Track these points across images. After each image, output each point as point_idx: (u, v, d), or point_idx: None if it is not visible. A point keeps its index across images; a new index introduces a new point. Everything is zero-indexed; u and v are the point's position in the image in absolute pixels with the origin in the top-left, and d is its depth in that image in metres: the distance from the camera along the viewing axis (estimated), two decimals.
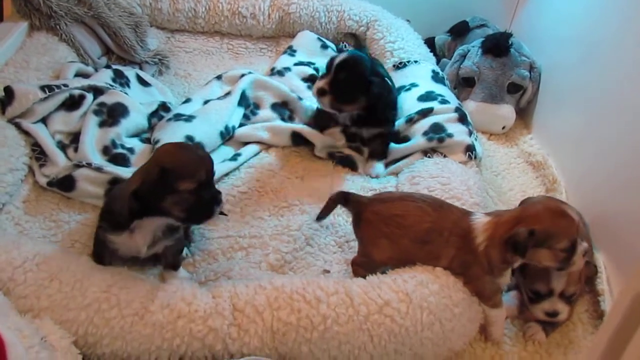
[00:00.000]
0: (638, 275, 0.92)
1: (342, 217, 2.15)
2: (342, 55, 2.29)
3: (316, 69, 2.91)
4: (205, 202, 1.64)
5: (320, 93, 2.29)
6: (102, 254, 1.78)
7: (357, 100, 2.32)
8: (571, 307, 1.86)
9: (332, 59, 2.30)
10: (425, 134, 2.45)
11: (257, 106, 2.67)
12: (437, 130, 2.45)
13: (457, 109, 2.56)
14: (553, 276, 1.79)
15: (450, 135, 2.42)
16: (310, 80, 2.86)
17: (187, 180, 1.59)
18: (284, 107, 2.68)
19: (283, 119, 2.63)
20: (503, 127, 2.91)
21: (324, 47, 3.12)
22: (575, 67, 2.63)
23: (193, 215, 1.65)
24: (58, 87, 2.26)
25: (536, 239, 1.63)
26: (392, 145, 2.51)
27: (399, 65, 2.92)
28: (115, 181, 2.08)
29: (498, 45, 2.91)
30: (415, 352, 1.65)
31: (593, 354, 1.03)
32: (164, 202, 1.60)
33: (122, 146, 2.29)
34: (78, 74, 2.51)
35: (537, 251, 1.66)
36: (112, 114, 2.34)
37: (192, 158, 1.63)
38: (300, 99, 2.70)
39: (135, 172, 1.68)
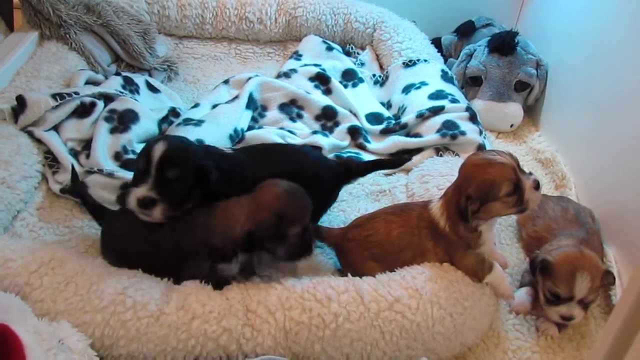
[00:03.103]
0: None
1: (353, 214, 2.16)
2: (160, 145, 1.69)
3: (323, 69, 2.93)
4: (307, 243, 1.73)
5: (146, 205, 1.69)
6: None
7: (193, 198, 1.76)
8: (586, 312, 1.86)
9: (146, 152, 1.70)
10: (438, 130, 2.47)
11: (264, 108, 2.71)
12: (450, 127, 2.48)
13: (468, 108, 2.59)
14: (577, 283, 1.77)
15: (463, 133, 2.44)
16: (317, 79, 2.88)
17: (297, 226, 1.68)
18: (293, 105, 2.72)
19: (292, 119, 2.66)
20: (511, 125, 2.92)
21: (329, 49, 3.14)
22: (582, 64, 2.63)
23: (295, 255, 1.73)
24: (69, 95, 2.29)
25: (478, 198, 1.66)
26: (404, 138, 2.54)
27: (409, 63, 2.95)
28: (127, 186, 2.10)
29: (504, 44, 2.92)
30: (427, 347, 1.66)
31: (603, 344, 1.04)
32: (272, 244, 1.68)
33: (133, 152, 2.32)
34: (88, 82, 2.54)
35: (489, 206, 1.68)
36: (123, 121, 2.36)
37: (301, 204, 1.71)
38: (308, 93, 2.74)
39: (237, 209, 1.70)
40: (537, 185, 1.71)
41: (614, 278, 1.90)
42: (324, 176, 2.04)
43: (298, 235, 1.68)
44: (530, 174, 1.73)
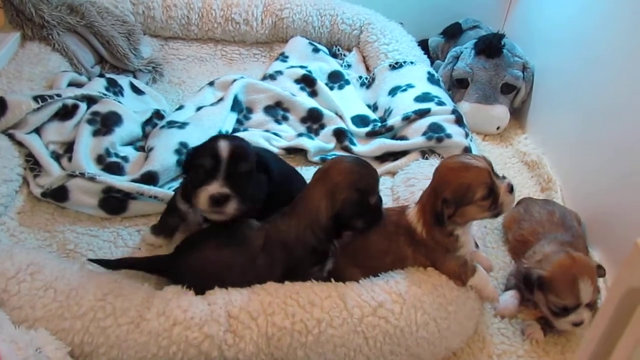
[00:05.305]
0: (627, 269, 0.92)
1: None
2: (224, 142, 1.71)
3: (309, 71, 2.92)
4: (380, 210, 1.77)
5: (220, 202, 1.69)
6: None
7: (260, 190, 1.80)
8: (593, 311, 1.84)
9: (212, 151, 1.70)
10: (424, 133, 2.46)
11: (249, 110, 2.70)
12: (436, 129, 2.47)
13: (454, 111, 2.58)
14: (581, 290, 1.75)
15: (449, 136, 2.44)
16: (303, 81, 2.88)
17: (374, 195, 1.72)
18: (278, 108, 2.72)
19: (277, 121, 2.65)
20: (497, 128, 2.91)
21: (316, 50, 3.13)
22: (568, 67, 2.63)
23: (372, 224, 1.75)
24: (51, 97, 2.26)
25: (453, 202, 1.65)
26: (390, 140, 2.53)
27: (395, 65, 2.94)
28: (109, 190, 2.08)
29: (491, 46, 2.92)
30: (411, 352, 1.64)
31: (587, 347, 1.03)
32: (357, 219, 1.70)
33: (116, 155, 2.30)
34: (71, 84, 2.51)
35: (463, 210, 1.67)
36: (106, 123, 2.34)
37: (372, 174, 1.74)
38: (293, 95, 2.73)
39: (314, 199, 1.70)
40: (511, 189, 1.71)
41: (604, 270, 1.90)
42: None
43: (375, 204, 1.72)
44: (504, 177, 1.73)
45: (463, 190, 1.65)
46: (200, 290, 1.67)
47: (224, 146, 1.69)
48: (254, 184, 1.76)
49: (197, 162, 1.74)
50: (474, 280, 1.74)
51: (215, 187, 1.68)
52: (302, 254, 1.71)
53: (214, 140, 1.74)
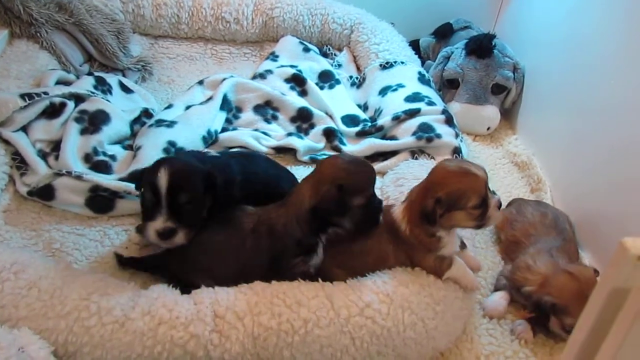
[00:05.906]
0: (612, 269, 0.91)
1: None
2: (163, 174, 1.68)
3: (299, 71, 2.91)
4: (372, 213, 1.73)
5: (168, 236, 1.72)
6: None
7: (206, 208, 1.80)
8: None
9: (151, 183, 1.69)
10: (414, 133, 2.46)
11: (239, 109, 2.68)
12: (425, 129, 2.47)
13: (444, 111, 2.58)
14: None
15: (439, 136, 2.44)
16: (293, 80, 2.87)
17: (359, 197, 1.67)
18: (268, 107, 2.71)
19: (266, 120, 2.65)
20: (488, 128, 2.91)
21: (306, 50, 3.13)
22: (558, 67, 2.64)
23: (362, 226, 1.73)
24: (38, 95, 2.24)
25: (446, 204, 1.64)
26: (380, 140, 2.52)
27: (386, 65, 2.93)
28: (96, 189, 2.06)
29: (481, 47, 2.92)
30: (398, 353, 1.64)
31: (571, 349, 1.03)
32: (337, 217, 1.68)
33: (104, 153, 2.28)
34: (59, 82, 2.49)
35: (452, 215, 1.66)
36: (94, 122, 2.32)
37: (362, 174, 1.71)
38: (283, 94, 2.72)
39: (303, 189, 1.71)
40: (499, 205, 1.72)
41: (598, 272, 1.90)
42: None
43: (362, 206, 1.68)
44: (494, 193, 1.74)
45: (458, 195, 1.64)
46: (196, 278, 1.70)
47: (163, 179, 1.68)
48: (200, 209, 1.77)
49: (142, 192, 1.77)
50: (451, 272, 1.74)
51: (159, 223, 1.71)
52: (287, 243, 1.71)
53: (153, 170, 1.71)
